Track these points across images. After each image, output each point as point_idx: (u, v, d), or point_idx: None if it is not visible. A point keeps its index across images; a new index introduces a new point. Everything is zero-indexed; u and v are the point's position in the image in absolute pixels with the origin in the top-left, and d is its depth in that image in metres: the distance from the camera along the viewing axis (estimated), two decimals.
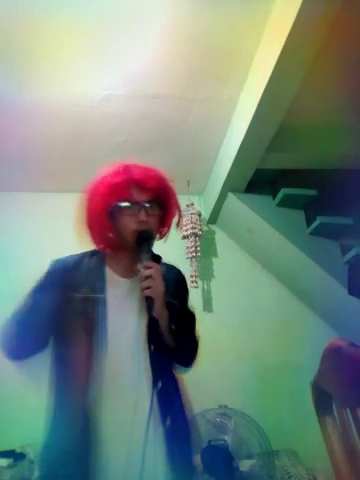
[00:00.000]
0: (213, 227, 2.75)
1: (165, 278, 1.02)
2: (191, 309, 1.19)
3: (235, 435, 2.00)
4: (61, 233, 2.34)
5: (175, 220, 1.13)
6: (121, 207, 1.01)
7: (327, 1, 1.29)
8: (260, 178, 2.26)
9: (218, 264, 2.65)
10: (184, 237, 2.49)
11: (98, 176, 1.05)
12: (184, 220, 2.43)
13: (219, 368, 2.23)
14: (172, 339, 1.03)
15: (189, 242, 2.49)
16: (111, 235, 1.05)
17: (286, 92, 1.65)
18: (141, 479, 0.87)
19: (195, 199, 2.62)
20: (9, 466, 1.85)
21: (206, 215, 2.70)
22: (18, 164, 2.33)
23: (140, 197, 1.01)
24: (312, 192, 2.25)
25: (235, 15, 1.58)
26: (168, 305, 1.02)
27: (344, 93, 1.90)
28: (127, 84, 1.88)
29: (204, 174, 2.51)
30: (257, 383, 2.27)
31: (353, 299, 2.03)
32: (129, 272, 1.07)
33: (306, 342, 2.26)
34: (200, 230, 2.51)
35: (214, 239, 2.72)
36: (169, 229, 1.15)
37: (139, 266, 0.99)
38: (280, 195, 2.26)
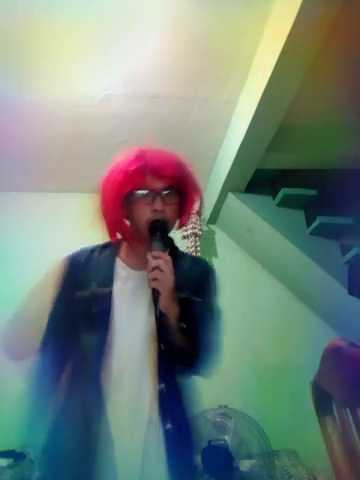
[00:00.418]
0: (213, 227, 2.76)
1: (184, 271, 0.96)
2: (218, 309, 1.07)
3: (235, 435, 2.00)
4: (61, 233, 2.35)
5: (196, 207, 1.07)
6: (136, 195, 0.96)
7: (327, 1, 1.29)
8: (260, 178, 2.26)
9: (218, 264, 2.64)
10: (184, 237, 2.49)
11: (114, 162, 1.00)
12: None
13: (219, 368, 2.22)
14: (183, 339, 0.94)
15: (189, 242, 2.49)
16: (125, 225, 1.01)
17: (286, 92, 1.65)
18: (142, 479, 0.87)
19: None
20: (9, 466, 1.85)
21: (206, 215, 2.69)
22: (18, 164, 2.33)
23: (156, 185, 0.96)
24: (312, 192, 2.25)
25: (235, 15, 1.58)
26: (183, 301, 0.95)
27: (344, 93, 1.90)
28: (127, 84, 1.88)
29: (204, 174, 2.50)
30: (257, 383, 2.27)
31: (353, 299, 2.03)
32: (142, 264, 0.98)
33: (306, 342, 2.25)
34: (200, 230, 2.51)
35: (214, 239, 2.72)
36: (188, 217, 1.08)
37: (148, 256, 0.92)
38: (280, 195, 2.26)
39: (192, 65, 1.80)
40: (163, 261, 0.90)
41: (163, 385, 0.94)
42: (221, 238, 2.72)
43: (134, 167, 0.95)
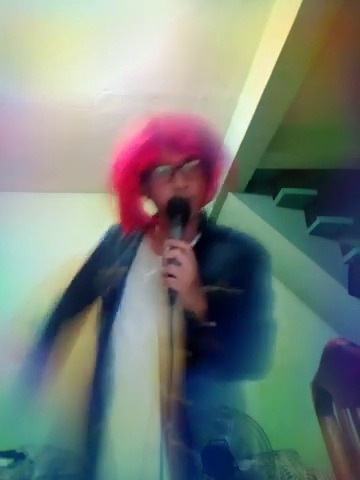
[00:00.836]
0: None
1: (219, 255, 0.82)
2: (266, 299, 0.86)
3: (235, 435, 1.99)
4: (61, 233, 2.35)
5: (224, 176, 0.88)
6: (153, 173, 0.82)
7: (327, 1, 1.29)
8: (260, 178, 2.25)
9: None
10: None
11: (126, 139, 0.87)
12: None
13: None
14: (213, 338, 0.78)
15: None
16: (142, 213, 0.89)
17: (286, 92, 1.65)
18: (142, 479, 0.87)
19: None
20: (9, 466, 1.85)
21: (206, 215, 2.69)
22: (18, 164, 2.33)
23: (174, 158, 0.81)
24: (312, 192, 2.25)
25: (235, 15, 1.58)
26: (215, 295, 0.78)
27: (344, 93, 1.90)
28: (127, 84, 1.88)
29: None
30: (257, 383, 2.26)
31: (353, 299, 2.03)
32: None
33: (306, 342, 2.25)
34: None
35: None
36: (215, 192, 0.95)
37: (165, 245, 0.76)
38: (280, 195, 2.26)
39: (192, 65, 1.80)
40: (181, 252, 0.73)
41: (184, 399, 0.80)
42: None
43: (145, 140, 0.82)
